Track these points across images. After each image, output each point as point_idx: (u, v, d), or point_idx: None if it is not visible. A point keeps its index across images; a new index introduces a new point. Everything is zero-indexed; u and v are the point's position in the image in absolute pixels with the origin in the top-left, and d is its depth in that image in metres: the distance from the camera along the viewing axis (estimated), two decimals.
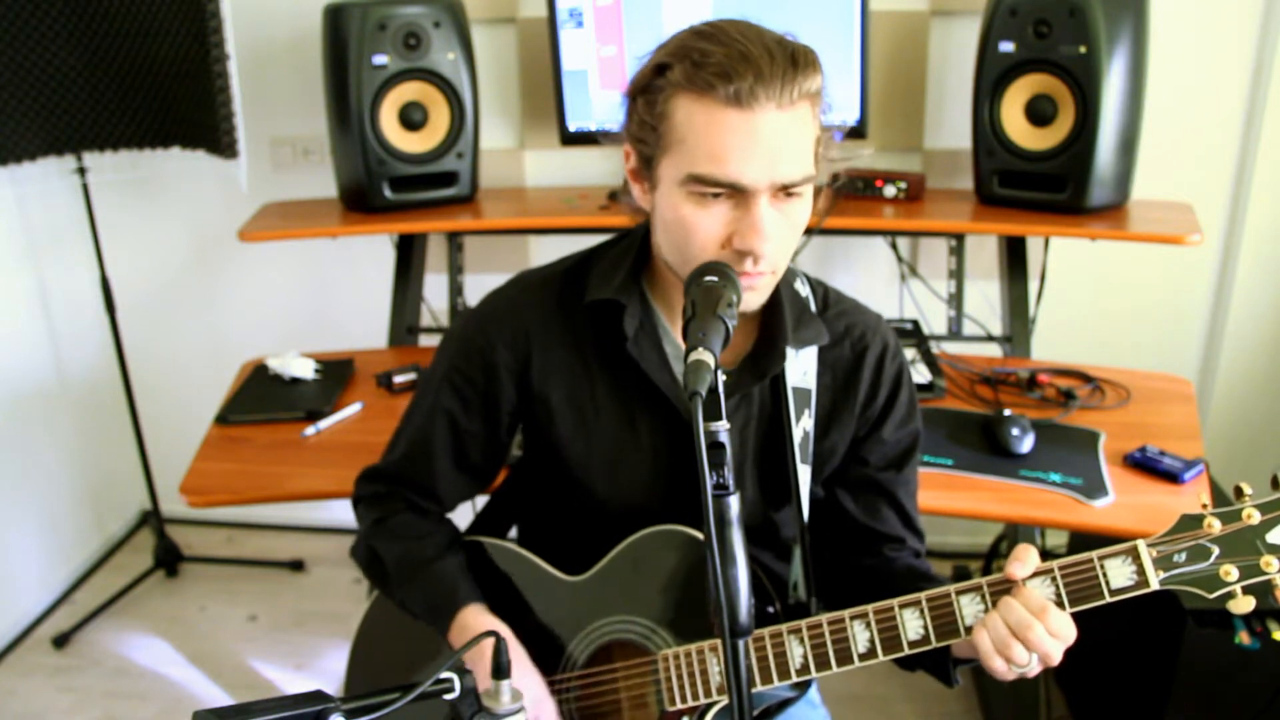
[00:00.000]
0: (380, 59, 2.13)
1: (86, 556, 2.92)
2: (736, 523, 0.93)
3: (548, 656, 1.23)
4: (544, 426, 1.25)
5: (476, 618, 1.20)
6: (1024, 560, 1.02)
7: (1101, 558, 1.00)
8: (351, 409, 2.01)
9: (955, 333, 2.40)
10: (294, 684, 2.45)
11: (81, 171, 2.44)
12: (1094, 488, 1.66)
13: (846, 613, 1.09)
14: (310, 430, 1.93)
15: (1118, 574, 0.99)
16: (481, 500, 1.45)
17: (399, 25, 2.12)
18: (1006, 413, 1.81)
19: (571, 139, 2.27)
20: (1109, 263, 2.43)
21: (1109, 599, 1.00)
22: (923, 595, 1.06)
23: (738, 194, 1.02)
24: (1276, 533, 0.96)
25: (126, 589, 2.76)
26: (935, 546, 2.73)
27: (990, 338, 2.39)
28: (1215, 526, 0.98)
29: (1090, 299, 2.50)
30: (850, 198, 2.25)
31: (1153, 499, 1.64)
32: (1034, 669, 1.02)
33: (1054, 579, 1.01)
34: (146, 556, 2.86)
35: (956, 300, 2.39)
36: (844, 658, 1.09)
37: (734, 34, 1.00)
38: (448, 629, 1.21)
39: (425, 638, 1.27)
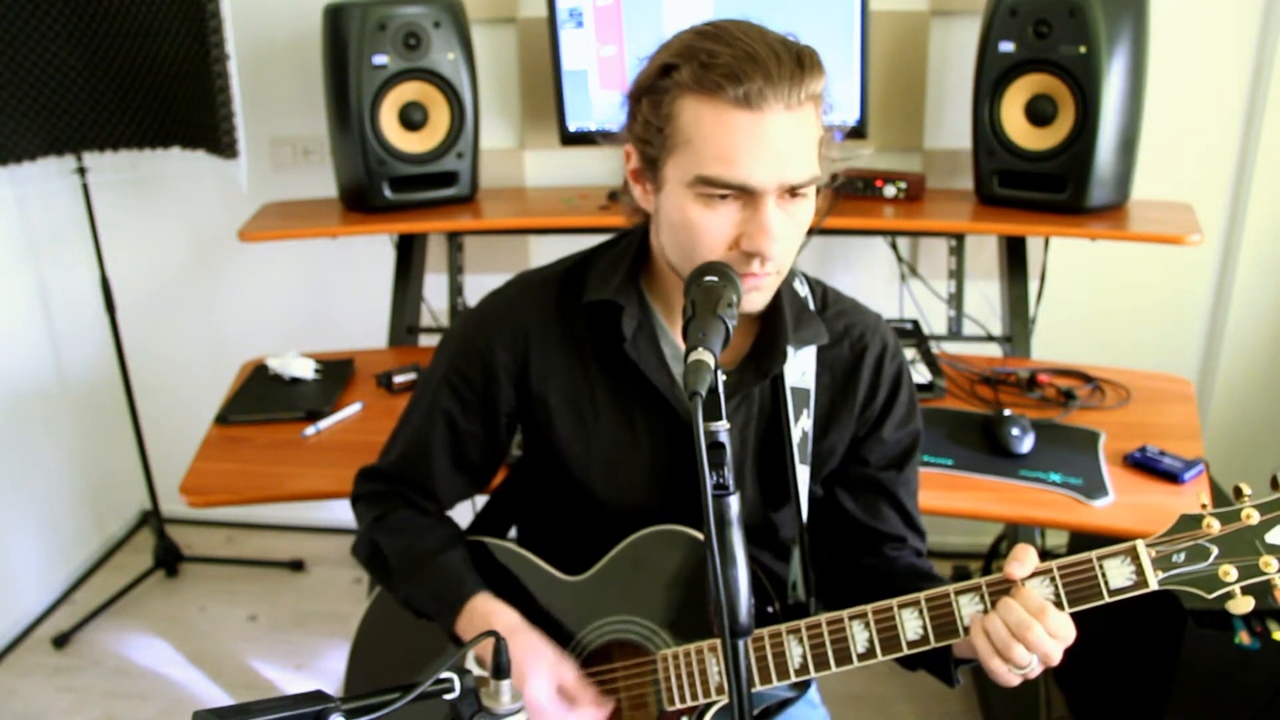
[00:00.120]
0: (380, 59, 2.12)
1: (86, 556, 2.93)
2: (736, 523, 0.93)
3: None
4: (543, 427, 1.25)
5: (487, 604, 1.19)
6: (1023, 560, 1.02)
7: (1100, 558, 1.00)
8: (351, 409, 2.01)
9: (955, 333, 2.40)
10: (294, 684, 2.45)
11: (81, 171, 2.44)
12: (1094, 488, 1.66)
13: (845, 613, 1.09)
14: (310, 430, 1.93)
15: (1117, 574, 0.99)
16: (481, 500, 1.45)
17: (399, 25, 2.12)
18: (1006, 413, 1.81)
19: (571, 139, 2.27)
20: (1109, 263, 2.43)
21: (1108, 599, 0.99)
22: (921, 595, 1.06)
23: (745, 195, 1.02)
24: (1276, 533, 0.96)
25: (126, 589, 2.76)
26: (935, 546, 2.73)
27: (990, 338, 2.39)
28: (1214, 527, 0.98)
29: (1090, 299, 2.49)
30: (850, 198, 2.25)
31: (1152, 499, 1.64)
32: (1034, 670, 1.01)
33: (1053, 579, 1.01)
34: (146, 556, 2.86)
35: (956, 300, 2.39)
36: (843, 658, 1.09)
37: (739, 35, 1.00)
38: (456, 620, 1.20)
39: (425, 637, 1.27)
